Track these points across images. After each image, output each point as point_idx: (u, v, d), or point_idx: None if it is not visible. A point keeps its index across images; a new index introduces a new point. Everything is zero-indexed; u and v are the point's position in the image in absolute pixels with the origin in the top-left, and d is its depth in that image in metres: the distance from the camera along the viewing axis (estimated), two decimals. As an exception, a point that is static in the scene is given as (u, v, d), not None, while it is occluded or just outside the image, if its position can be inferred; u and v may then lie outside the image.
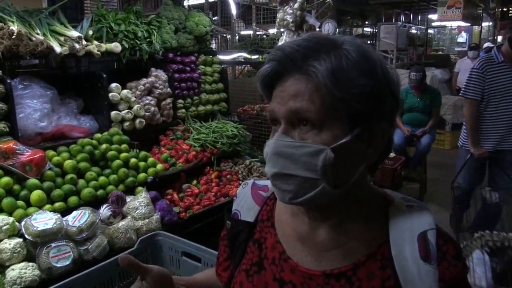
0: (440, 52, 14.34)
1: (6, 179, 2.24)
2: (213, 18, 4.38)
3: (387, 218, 0.79)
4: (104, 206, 2.33)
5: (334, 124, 0.71)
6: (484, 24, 12.77)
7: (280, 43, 3.96)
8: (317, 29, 4.11)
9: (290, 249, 0.84)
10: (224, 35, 9.24)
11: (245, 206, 0.96)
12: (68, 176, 2.48)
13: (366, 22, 14.87)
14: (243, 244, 0.93)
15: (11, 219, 2.04)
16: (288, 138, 0.73)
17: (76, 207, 2.30)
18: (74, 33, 2.83)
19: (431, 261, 0.73)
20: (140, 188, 2.71)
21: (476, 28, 12.20)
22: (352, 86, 0.70)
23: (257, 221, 0.93)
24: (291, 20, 3.76)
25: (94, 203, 2.39)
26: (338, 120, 0.71)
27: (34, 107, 2.66)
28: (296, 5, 3.75)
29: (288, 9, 3.79)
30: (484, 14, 11.66)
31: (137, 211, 2.40)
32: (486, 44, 9.72)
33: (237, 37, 8.15)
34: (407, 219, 0.78)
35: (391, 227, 0.78)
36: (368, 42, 12.26)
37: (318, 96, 0.70)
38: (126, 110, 3.10)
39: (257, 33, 8.46)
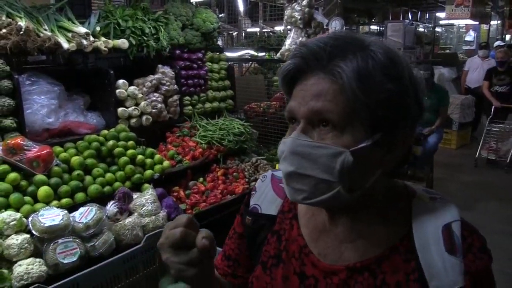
0: (448, 51, 14.22)
1: (13, 174, 2.24)
2: (220, 15, 4.37)
3: (410, 210, 0.78)
4: (111, 202, 2.32)
5: (356, 128, 0.70)
6: (492, 22, 12.66)
7: (288, 40, 3.95)
8: (325, 27, 4.08)
9: (311, 241, 0.84)
10: (230, 32, 9.23)
11: (266, 200, 0.95)
12: (75, 173, 2.48)
13: (373, 20, 14.77)
14: (265, 239, 0.91)
15: (18, 214, 2.04)
16: (307, 138, 0.71)
17: (83, 204, 2.30)
18: (82, 29, 2.83)
19: (456, 253, 0.72)
20: (146, 185, 2.70)
21: (484, 26, 12.08)
22: (378, 91, 0.68)
23: (278, 213, 0.92)
24: (299, 17, 3.73)
25: (101, 200, 2.39)
26: (360, 123, 0.70)
27: (42, 103, 2.66)
28: (304, 2, 3.73)
29: (296, 6, 3.77)
30: (492, 13, 11.56)
31: (144, 208, 2.39)
32: (497, 43, 9.61)
33: (243, 34, 8.14)
34: (430, 211, 0.77)
35: (415, 219, 0.77)
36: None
37: (341, 98, 0.69)
38: (133, 107, 3.09)
39: (263, 30, 8.44)
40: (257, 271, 0.89)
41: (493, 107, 6.52)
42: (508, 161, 6.27)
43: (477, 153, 6.58)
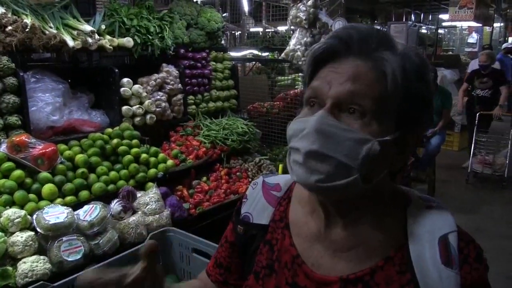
0: (450, 53, 14.21)
1: (18, 172, 2.25)
2: (223, 15, 4.37)
3: (406, 219, 0.77)
4: (115, 201, 2.32)
5: (384, 120, 0.69)
6: (495, 25, 12.64)
7: (292, 41, 3.94)
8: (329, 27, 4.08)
9: (304, 251, 0.81)
10: (233, 32, 9.23)
11: (257, 208, 0.91)
12: (80, 170, 2.48)
13: (376, 21, 14.77)
14: (257, 248, 0.88)
15: (23, 212, 2.04)
16: (334, 119, 0.69)
17: (87, 202, 2.30)
18: (87, 27, 2.83)
19: (452, 265, 0.71)
20: (150, 183, 2.70)
21: (487, 28, 12.08)
22: (413, 87, 0.70)
23: (269, 222, 0.89)
24: (304, 18, 3.73)
25: (105, 198, 2.39)
26: (387, 117, 0.70)
27: (46, 100, 2.66)
28: (309, 3, 3.72)
29: (301, 6, 3.76)
30: (495, 15, 11.55)
31: (148, 207, 2.39)
32: (505, 45, 9.56)
33: (246, 34, 8.14)
34: (427, 221, 0.75)
35: (410, 229, 0.75)
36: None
37: (378, 86, 0.69)
38: (137, 106, 3.09)
39: (267, 30, 8.44)
40: (250, 281, 0.87)
41: (477, 114, 5.95)
42: (505, 175, 5.71)
43: (469, 167, 5.94)
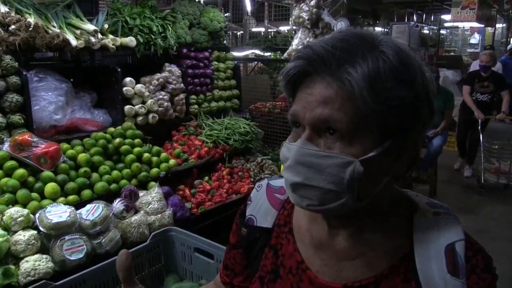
0: (452, 53, 14.18)
1: (20, 171, 2.25)
2: (225, 15, 4.37)
3: (412, 227, 0.75)
4: (117, 200, 2.32)
5: (365, 136, 0.66)
6: (498, 25, 12.62)
7: (295, 40, 3.94)
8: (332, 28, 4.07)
9: (308, 257, 0.81)
10: (235, 31, 9.23)
11: (261, 211, 0.91)
12: (82, 170, 2.48)
13: (378, 22, 14.75)
14: (261, 251, 0.88)
15: (25, 211, 2.04)
16: (313, 146, 0.67)
17: (89, 201, 2.31)
18: (90, 27, 2.83)
19: (459, 275, 0.69)
20: (152, 183, 2.71)
21: (490, 29, 12.05)
22: (389, 98, 0.64)
23: (273, 226, 0.89)
24: (306, 18, 3.73)
25: (107, 197, 2.39)
26: (369, 131, 0.66)
27: (49, 99, 2.67)
28: (312, 3, 3.72)
29: (304, 6, 3.76)
30: (498, 16, 11.53)
31: (150, 206, 2.39)
32: (511, 46, 9.49)
33: (248, 34, 8.14)
34: (433, 230, 0.73)
35: (416, 238, 0.73)
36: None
37: (350, 106, 0.64)
38: (140, 105, 3.10)
39: (269, 30, 8.43)
40: (255, 285, 0.87)
41: (479, 120, 5.50)
42: None
43: (482, 177, 5.40)
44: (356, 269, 0.75)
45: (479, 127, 5.49)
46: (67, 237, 1.98)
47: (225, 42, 4.24)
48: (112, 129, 2.86)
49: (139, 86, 3.10)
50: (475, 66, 8.03)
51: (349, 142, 0.65)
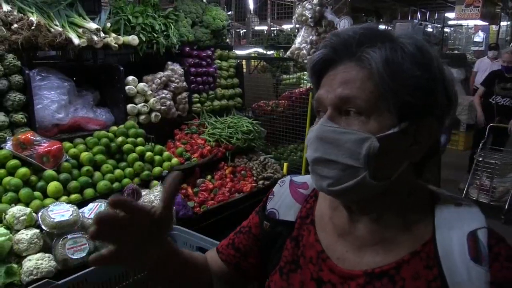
0: (456, 51, 14.13)
1: (23, 169, 2.25)
2: (228, 13, 4.36)
3: (433, 215, 0.76)
4: (120, 199, 2.32)
5: (382, 114, 0.70)
6: (502, 23, 12.56)
7: (298, 39, 3.93)
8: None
9: (329, 246, 0.82)
10: (238, 30, 9.22)
11: (284, 205, 0.94)
12: (84, 168, 2.48)
13: (381, 20, 14.71)
14: (282, 244, 0.90)
15: (28, 209, 2.04)
16: (333, 124, 0.72)
17: (91, 200, 2.31)
18: (93, 25, 2.83)
19: (482, 262, 0.69)
20: (155, 182, 2.70)
21: (494, 27, 11.99)
22: (405, 77, 0.69)
23: (296, 219, 0.91)
24: (309, 16, 3.71)
25: (110, 196, 2.39)
26: (387, 110, 0.70)
27: (52, 98, 2.67)
28: (315, 1, 3.71)
29: (307, 4, 3.75)
30: (502, 13, 11.47)
31: (153, 205, 2.39)
32: None
33: (250, 32, 8.13)
34: (455, 217, 0.74)
35: (438, 225, 0.74)
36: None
37: (369, 84, 0.70)
38: (142, 104, 3.09)
39: (271, 28, 8.42)
40: (275, 276, 0.88)
41: (488, 127, 5.03)
42: (506, 206, 4.52)
43: (464, 191, 4.85)
44: (377, 255, 0.76)
45: (485, 135, 4.99)
46: (69, 236, 1.98)
47: (228, 40, 4.23)
48: (114, 127, 2.86)
49: (141, 84, 3.10)
50: (479, 64, 7.99)
51: (367, 120, 0.70)
